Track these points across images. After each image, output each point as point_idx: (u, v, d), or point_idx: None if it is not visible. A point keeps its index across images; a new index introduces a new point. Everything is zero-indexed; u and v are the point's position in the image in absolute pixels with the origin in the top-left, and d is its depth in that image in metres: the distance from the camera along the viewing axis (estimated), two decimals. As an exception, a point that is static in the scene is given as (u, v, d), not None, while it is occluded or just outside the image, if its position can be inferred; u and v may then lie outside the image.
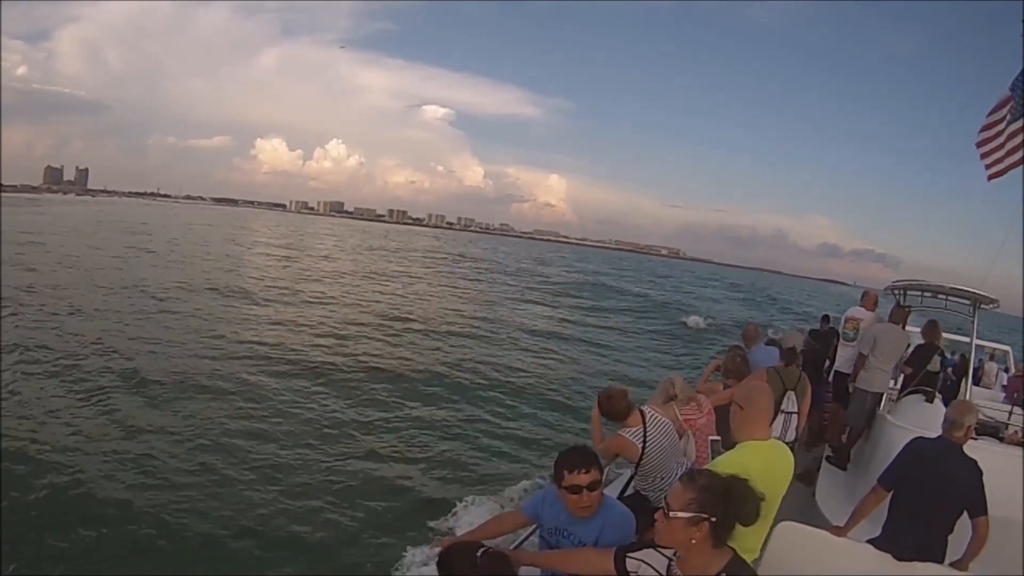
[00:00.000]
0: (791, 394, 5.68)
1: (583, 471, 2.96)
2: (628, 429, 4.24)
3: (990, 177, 7.29)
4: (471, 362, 18.34)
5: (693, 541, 2.29)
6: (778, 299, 68.72)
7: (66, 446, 9.89)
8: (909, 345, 7.57)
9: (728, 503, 2.30)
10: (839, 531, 4.06)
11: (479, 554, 2.47)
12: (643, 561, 2.61)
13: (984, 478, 3.87)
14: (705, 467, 3.11)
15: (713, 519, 2.27)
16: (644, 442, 4.19)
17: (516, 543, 3.80)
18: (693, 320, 34.21)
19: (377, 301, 29.76)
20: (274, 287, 30.83)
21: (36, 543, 7.33)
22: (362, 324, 23.08)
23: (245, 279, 32.39)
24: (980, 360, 13.32)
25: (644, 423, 4.24)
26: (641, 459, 4.21)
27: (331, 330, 21.47)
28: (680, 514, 2.29)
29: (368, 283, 37.70)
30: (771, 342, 8.10)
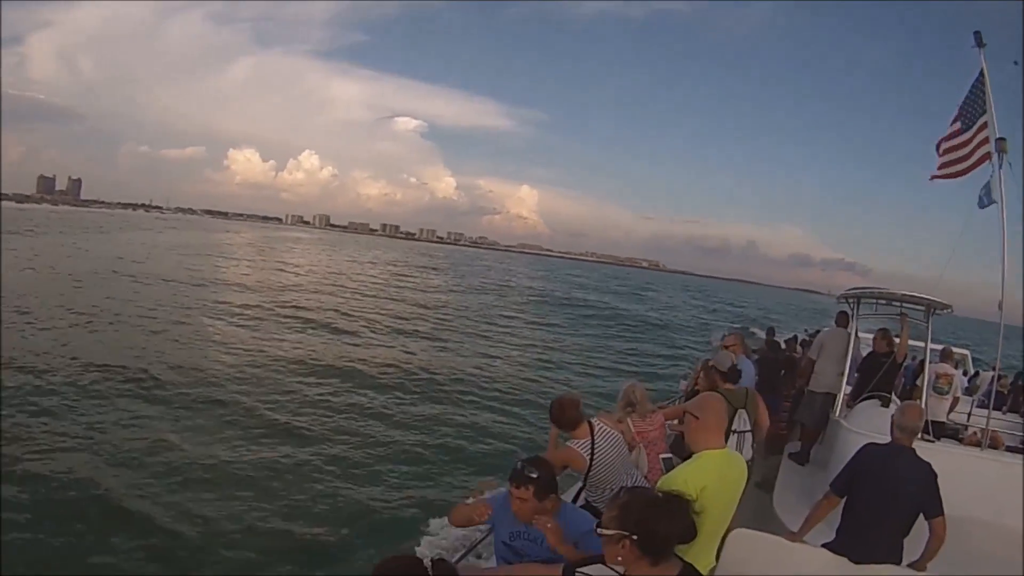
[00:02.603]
0: (742, 412, 5.50)
1: (514, 486, 3.14)
2: (576, 441, 4.13)
3: (932, 177, 7.28)
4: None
5: (619, 558, 2.20)
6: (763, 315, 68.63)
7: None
8: (857, 347, 7.70)
9: (648, 520, 2.19)
10: (793, 536, 3.98)
11: (428, 564, 2.32)
12: (587, 575, 2.52)
13: (942, 479, 3.82)
14: (663, 479, 3.04)
15: (634, 536, 2.15)
16: (592, 454, 4.07)
17: (470, 546, 3.70)
18: None
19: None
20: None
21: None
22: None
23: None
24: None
25: (592, 435, 4.12)
26: (589, 471, 4.10)
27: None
28: (604, 531, 2.23)
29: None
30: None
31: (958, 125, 6.97)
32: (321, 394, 15.64)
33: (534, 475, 3.08)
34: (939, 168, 7.18)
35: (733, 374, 5.88)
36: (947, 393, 8.06)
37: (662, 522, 2.21)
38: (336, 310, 30.80)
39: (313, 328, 25.23)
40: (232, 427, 12.52)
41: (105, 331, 20.03)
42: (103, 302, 24.72)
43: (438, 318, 32.68)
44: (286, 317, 27.05)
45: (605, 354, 28.22)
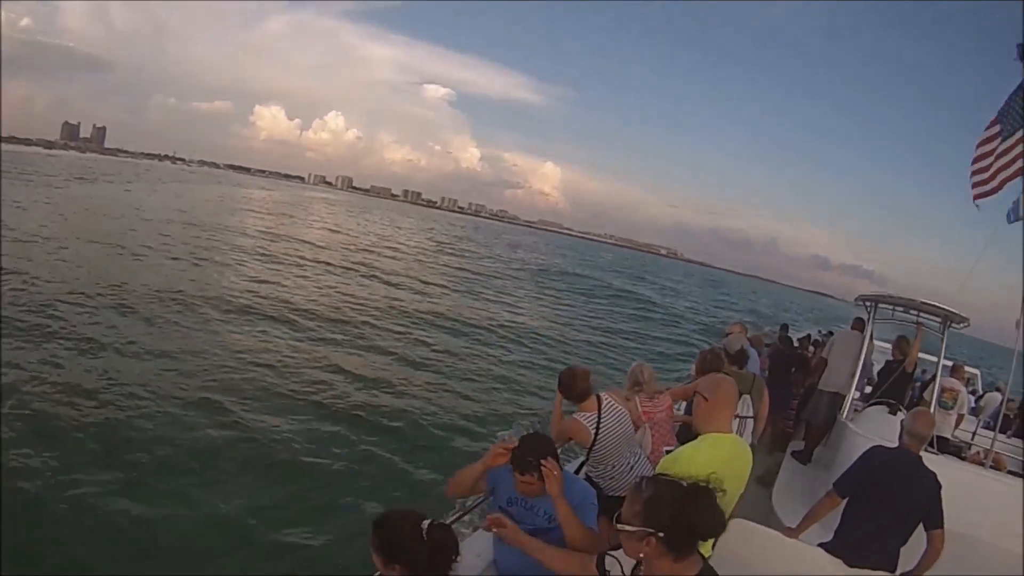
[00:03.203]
0: (746, 398, 5.42)
1: (519, 473, 3.00)
2: (583, 414, 4.07)
3: (975, 198, 7.06)
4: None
5: (641, 555, 2.05)
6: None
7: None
8: (871, 352, 7.64)
9: (678, 516, 2.02)
10: (791, 532, 3.94)
11: (425, 525, 2.20)
12: (617, 559, 2.39)
13: (943, 492, 3.75)
14: (667, 458, 2.98)
15: (660, 534, 1.99)
16: (597, 428, 4.02)
17: (464, 510, 3.67)
18: None
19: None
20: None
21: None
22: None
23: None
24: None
25: (599, 409, 4.07)
26: (593, 445, 4.05)
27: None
28: (627, 527, 2.04)
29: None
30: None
31: (995, 135, 6.79)
32: (434, 339, 17.97)
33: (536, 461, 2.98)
34: (975, 187, 6.99)
35: (740, 357, 5.80)
36: (951, 408, 7.94)
37: (694, 517, 2.04)
38: (408, 275, 31.94)
39: (398, 287, 26.88)
40: (368, 355, 15.00)
41: (217, 276, 21.86)
42: (196, 250, 26.44)
43: (498, 285, 34.81)
44: (369, 275, 28.99)
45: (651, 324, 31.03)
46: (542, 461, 2.94)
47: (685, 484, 2.13)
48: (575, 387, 4.09)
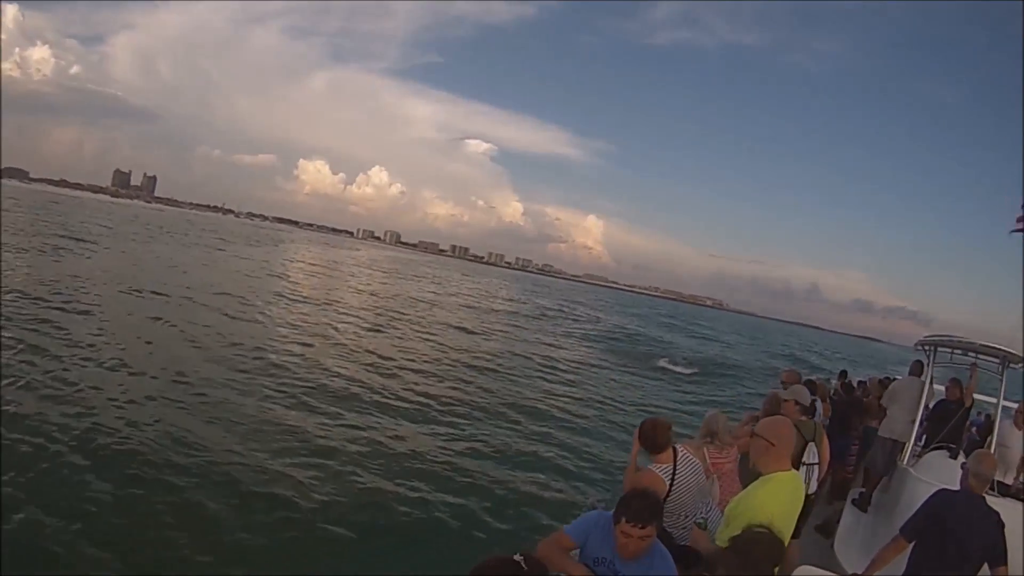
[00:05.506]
0: (811, 445, 5.32)
1: (639, 526, 2.85)
2: (659, 465, 4.05)
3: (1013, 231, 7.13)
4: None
5: None
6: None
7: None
8: (931, 397, 7.52)
9: (760, 564, 2.25)
10: None
11: (519, 558, 2.27)
12: None
13: (1007, 535, 3.77)
14: (735, 499, 3.14)
15: None
16: (672, 480, 4.01)
17: None
18: None
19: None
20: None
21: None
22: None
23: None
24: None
25: (675, 460, 4.07)
26: (668, 496, 3.99)
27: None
28: None
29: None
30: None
31: None
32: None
33: (658, 514, 2.97)
34: (1020, 219, 7.04)
35: (811, 408, 5.85)
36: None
37: (767, 555, 2.27)
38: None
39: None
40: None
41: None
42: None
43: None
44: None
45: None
46: None
47: (732, 540, 2.42)
48: (657, 439, 4.07)
